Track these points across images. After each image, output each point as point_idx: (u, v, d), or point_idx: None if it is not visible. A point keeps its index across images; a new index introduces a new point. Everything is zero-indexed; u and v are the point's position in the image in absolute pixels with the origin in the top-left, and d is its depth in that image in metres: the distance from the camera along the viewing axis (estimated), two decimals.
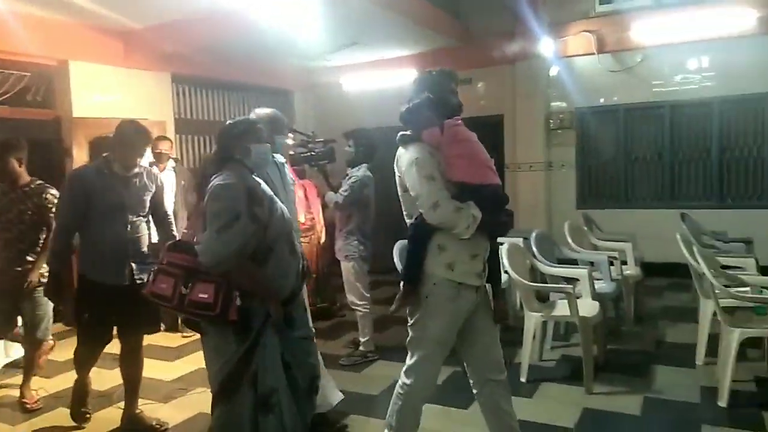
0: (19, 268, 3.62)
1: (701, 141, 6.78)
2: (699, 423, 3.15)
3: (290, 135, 4.59)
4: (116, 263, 3.16)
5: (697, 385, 3.64)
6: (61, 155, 5.72)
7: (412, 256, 2.46)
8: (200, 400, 3.73)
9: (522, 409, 3.37)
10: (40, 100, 5.69)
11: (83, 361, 3.37)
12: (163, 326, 5.36)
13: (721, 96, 6.52)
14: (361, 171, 4.34)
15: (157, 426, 3.33)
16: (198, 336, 5.52)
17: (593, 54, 6.92)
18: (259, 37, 5.82)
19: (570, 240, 5.06)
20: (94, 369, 4.44)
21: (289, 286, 2.41)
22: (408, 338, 2.54)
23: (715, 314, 3.59)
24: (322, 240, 5.46)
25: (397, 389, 2.54)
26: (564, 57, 7.13)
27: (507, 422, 2.63)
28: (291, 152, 4.15)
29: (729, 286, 3.62)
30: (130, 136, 3.21)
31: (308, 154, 4.37)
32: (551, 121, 7.32)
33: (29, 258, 3.65)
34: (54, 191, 3.70)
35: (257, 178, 2.44)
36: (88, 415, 3.48)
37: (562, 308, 3.90)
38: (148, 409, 3.59)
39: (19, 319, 3.96)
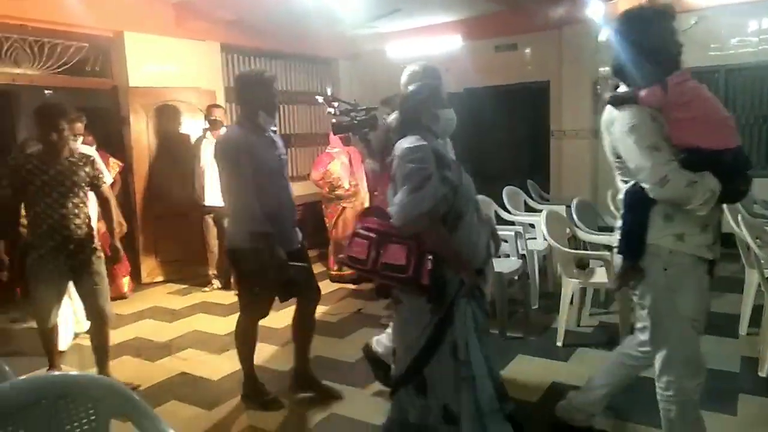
0: (72, 246, 3.25)
1: (757, 107, 6.51)
2: (737, 392, 3.15)
3: (334, 103, 4.68)
4: (289, 227, 3.01)
5: (738, 355, 3.62)
6: (118, 123, 6.01)
7: (632, 226, 2.15)
8: None
9: (557, 372, 3.48)
10: (98, 69, 5.95)
11: (251, 337, 3.13)
12: (218, 284, 5.68)
13: None
14: None
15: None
16: None
17: None
18: (303, 5, 5.88)
19: (613, 208, 5.01)
20: (153, 322, 4.80)
21: (480, 255, 2.30)
22: (648, 328, 2.27)
23: (760, 285, 3.55)
24: (366, 205, 5.60)
25: (664, 396, 2.21)
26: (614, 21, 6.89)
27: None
28: (334, 120, 4.25)
29: None
30: (266, 79, 2.93)
31: (351, 122, 4.45)
32: (599, 86, 7.14)
33: (85, 229, 3.32)
34: (97, 158, 3.50)
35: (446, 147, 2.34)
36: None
37: (600, 275, 3.93)
38: (203, 359, 3.87)
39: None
